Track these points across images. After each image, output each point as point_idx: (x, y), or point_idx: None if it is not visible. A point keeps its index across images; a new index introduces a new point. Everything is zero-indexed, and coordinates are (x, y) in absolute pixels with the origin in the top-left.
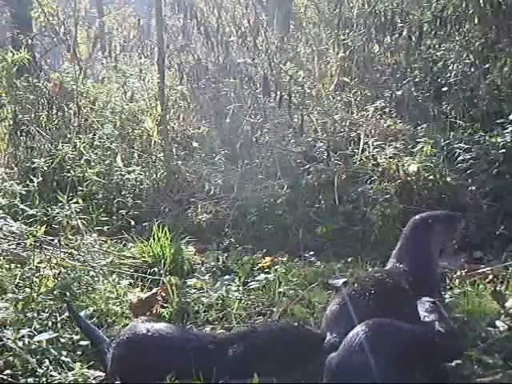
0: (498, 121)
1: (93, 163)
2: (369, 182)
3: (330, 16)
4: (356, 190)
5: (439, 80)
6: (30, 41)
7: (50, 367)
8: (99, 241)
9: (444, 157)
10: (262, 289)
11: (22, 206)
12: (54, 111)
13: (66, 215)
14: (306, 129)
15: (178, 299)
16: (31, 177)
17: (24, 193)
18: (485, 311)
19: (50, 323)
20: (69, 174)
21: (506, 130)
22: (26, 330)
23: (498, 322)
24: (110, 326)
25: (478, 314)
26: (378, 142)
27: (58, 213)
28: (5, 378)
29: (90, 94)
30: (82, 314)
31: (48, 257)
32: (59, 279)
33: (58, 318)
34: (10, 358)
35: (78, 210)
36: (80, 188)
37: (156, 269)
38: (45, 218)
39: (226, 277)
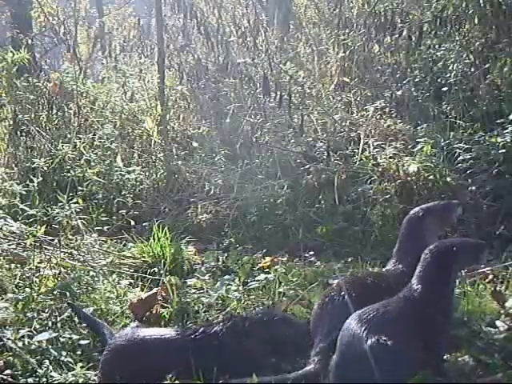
0: (498, 121)
1: (93, 163)
2: (369, 182)
3: (330, 16)
4: (356, 190)
5: (439, 80)
6: (30, 41)
7: (50, 368)
8: (99, 241)
9: (444, 157)
10: (262, 289)
11: (22, 206)
12: (54, 111)
13: (66, 215)
14: (306, 129)
15: (178, 299)
16: (31, 177)
17: (24, 193)
18: (485, 311)
19: (49, 323)
20: (69, 174)
21: (506, 130)
22: (26, 330)
23: (497, 322)
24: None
25: (478, 314)
26: (378, 142)
27: (58, 213)
28: (5, 378)
29: (89, 94)
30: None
31: (48, 257)
32: (59, 279)
33: (58, 318)
34: (10, 358)
35: (78, 209)
36: (80, 188)
37: (156, 269)
38: (45, 218)
39: (226, 277)
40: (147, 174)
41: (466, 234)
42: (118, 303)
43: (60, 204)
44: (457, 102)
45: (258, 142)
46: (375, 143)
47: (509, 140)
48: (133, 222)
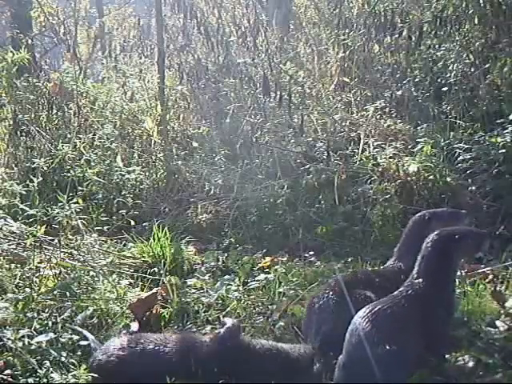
0: (498, 121)
1: (93, 163)
2: (369, 182)
3: (330, 16)
4: (356, 190)
5: (439, 80)
6: (30, 41)
7: (51, 368)
8: (99, 241)
9: (444, 157)
10: (261, 289)
11: (22, 206)
12: (54, 111)
13: (66, 215)
14: (306, 129)
15: (178, 299)
16: (31, 177)
17: (24, 193)
18: (485, 311)
19: (50, 323)
20: (69, 174)
21: (506, 130)
22: (26, 330)
23: (498, 322)
24: (110, 326)
25: (478, 313)
26: (378, 142)
27: (58, 213)
28: (5, 378)
29: (89, 94)
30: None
31: (48, 257)
32: (59, 279)
33: (58, 318)
34: (10, 358)
35: (78, 210)
36: (80, 188)
37: (156, 269)
38: (45, 218)
39: (226, 277)
40: (147, 174)
41: None
42: (118, 303)
43: (60, 204)
44: (457, 102)
45: (258, 141)
46: (375, 143)
47: (509, 140)
48: (133, 222)
